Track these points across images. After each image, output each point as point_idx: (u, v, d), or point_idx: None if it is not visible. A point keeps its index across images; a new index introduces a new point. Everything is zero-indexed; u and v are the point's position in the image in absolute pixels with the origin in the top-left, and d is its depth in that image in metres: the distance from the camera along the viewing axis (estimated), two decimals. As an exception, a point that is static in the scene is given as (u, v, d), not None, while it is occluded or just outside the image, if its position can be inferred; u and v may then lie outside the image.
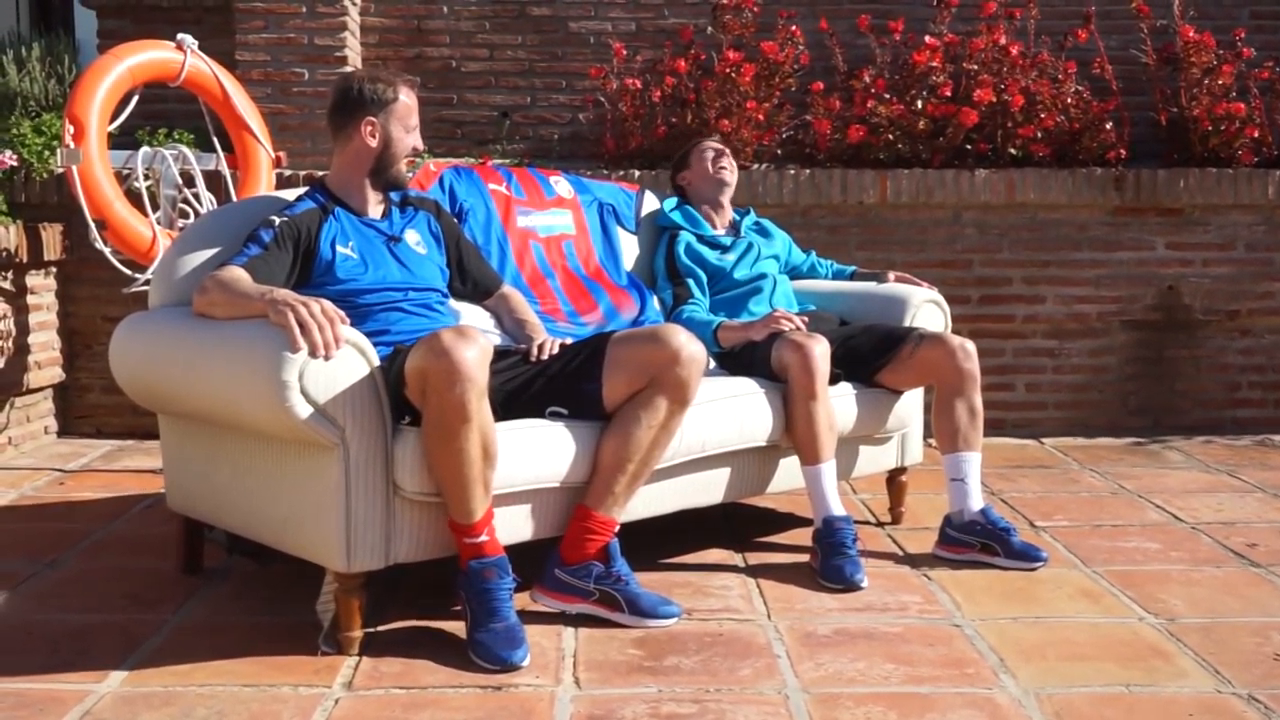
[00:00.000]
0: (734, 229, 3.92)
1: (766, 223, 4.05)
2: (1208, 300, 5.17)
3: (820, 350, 3.29)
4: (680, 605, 2.91)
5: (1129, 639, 2.79)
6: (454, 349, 2.51)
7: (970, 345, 3.43)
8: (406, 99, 3.01)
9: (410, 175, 3.15)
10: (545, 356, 2.95)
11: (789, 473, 3.43)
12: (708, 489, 3.25)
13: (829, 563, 3.17)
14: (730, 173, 3.89)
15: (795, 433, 3.30)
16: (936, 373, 3.44)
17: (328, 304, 2.58)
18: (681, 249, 3.77)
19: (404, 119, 3.00)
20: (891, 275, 3.94)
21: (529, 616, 2.79)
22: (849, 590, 3.11)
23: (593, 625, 2.84)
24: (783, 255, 3.98)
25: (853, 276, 4.04)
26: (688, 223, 3.85)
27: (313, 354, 2.50)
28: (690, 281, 3.71)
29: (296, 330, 2.50)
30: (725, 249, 3.81)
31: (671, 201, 3.99)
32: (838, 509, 3.27)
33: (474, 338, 2.56)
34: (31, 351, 4.72)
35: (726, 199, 3.91)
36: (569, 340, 3.03)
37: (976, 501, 3.36)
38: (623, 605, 2.83)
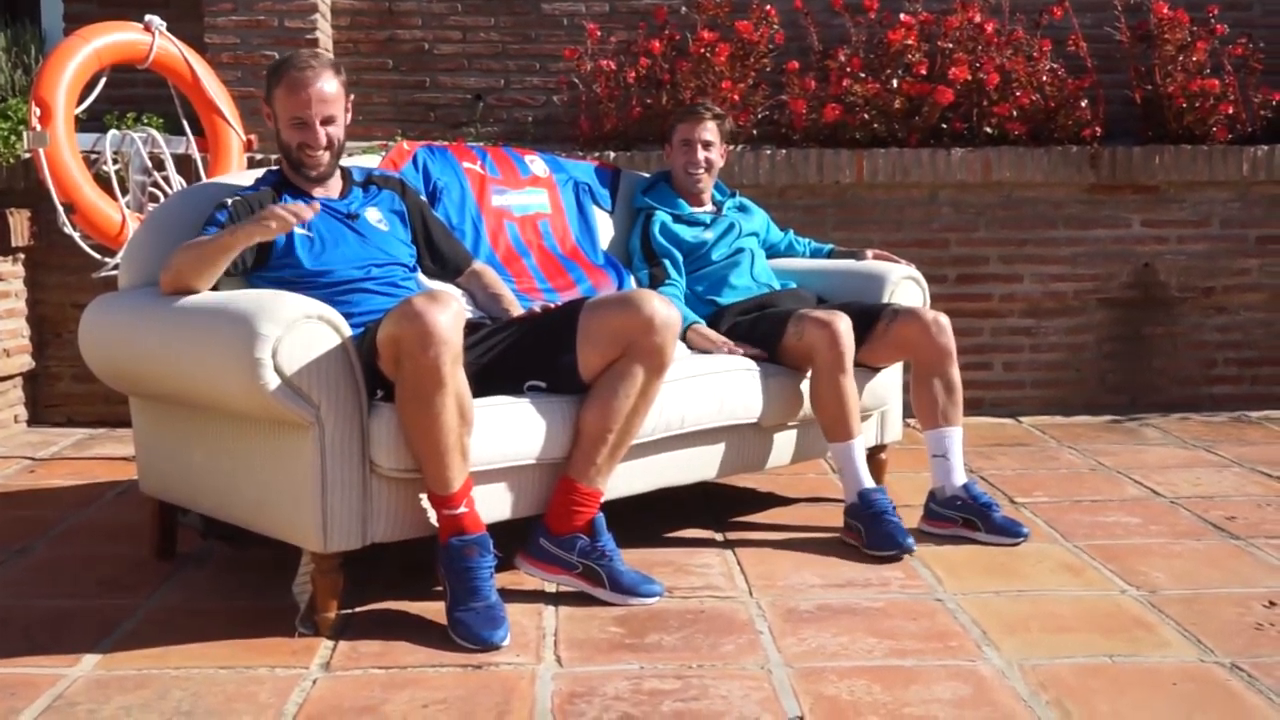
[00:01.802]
0: (715, 208, 3.88)
1: (746, 201, 4.02)
2: (1184, 277, 5.18)
3: (845, 326, 3.28)
4: (662, 584, 2.88)
5: (1111, 611, 2.78)
6: (426, 312, 2.48)
7: (944, 319, 3.42)
8: (289, 86, 2.83)
9: (314, 173, 2.93)
10: (538, 310, 2.96)
11: (770, 452, 3.42)
12: (688, 467, 3.22)
13: (876, 531, 3.17)
14: (704, 173, 3.78)
15: (825, 410, 3.29)
16: (912, 348, 3.43)
17: (278, 206, 2.63)
18: (656, 229, 3.73)
19: (283, 108, 2.86)
20: (870, 253, 3.93)
21: (509, 595, 2.76)
22: (900, 555, 3.14)
23: (573, 603, 2.81)
24: (761, 233, 3.96)
25: (830, 254, 4.02)
26: (662, 203, 3.82)
27: (297, 220, 2.54)
28: (666, 262, 3.68)
29: (273, 224, 2.54)
30: (705, 225, 3.78)
31: (645, 181, 3.95)
32: (870, 481, 3.28)
33: (446, 301, 2.52)
34: (0, 339, 4.66)
35: (696, 191, 3.83)
36: (551, 305, 3.00)
37: (959, 476, 3.35)
38: (605, 581, 2.81)
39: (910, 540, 3.17)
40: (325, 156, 2.91)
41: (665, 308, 2.79)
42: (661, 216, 3.76)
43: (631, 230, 3.86)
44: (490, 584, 2.63)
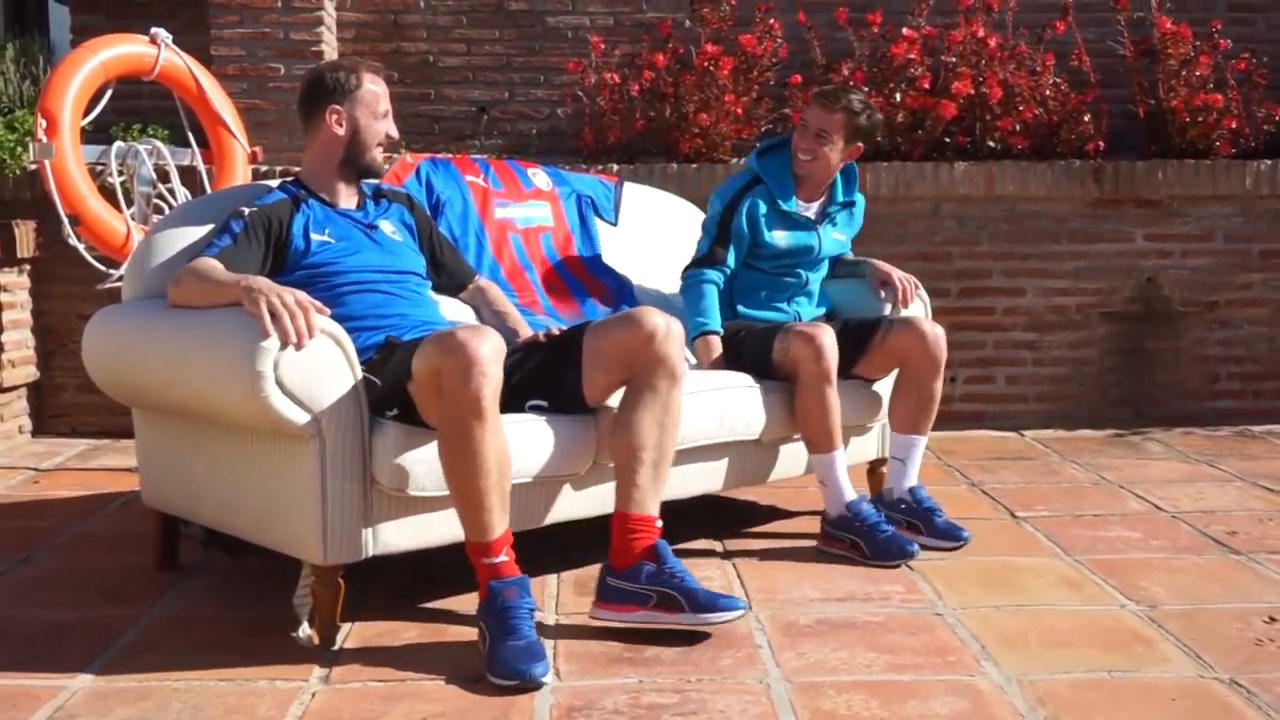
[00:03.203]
0: (821, 211, 3.64)
1: (859, 208, 3.78)
2: (1187, 291, 5.18)
3: (829, 339, 3.29)
4: (741, 599, 2.79)
5: (1111, 626, 2.78)
6: (469, 343, 2.46)
7: (939, 329, 3.44)
8: (371, 85, 2.98)
9: (387, 168, 3.11)
10: (543, 339, 2.96)
11: (771, 466, 3.42)
12: (690, 482, 3.22)
13: (879, 540, 3.22)
14: (808, 161, 3.52)
15: (808, 422, 3.31)
16: (905, 356, 3.45)
17: (302, 294, 2.55)
18: (745, 209, 3.52)
19: (370, 105, 2.97)
20: (877, 281, 3.75)
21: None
22: (905, 560, 3.18)
23: (572, 616, 2.82)
24: (842, 247, 3.78)
25: (836, 262, 3.85)
26: (774, 180, 3.56)
27: (283, 343, 2.47)
28: (731, 247, 3.53)
29: (267, 318, 2.47)
30: (797, 228, 3.58)
31: (769, 141, 3.69)
32: (853, 492, 3.31)
33: (488, 334, 2.51)
34: (4, 350, 4.68)
35: (808, 179, 3.59)
36: (558, 330, 3.01)
37: (910, 480, 3.44)
38: (682, 603, 2.65)
39: (914, 546, 3.22)
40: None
41: (666, 319, 2.78)
42: (760, 200, 3.53)
43: (730, 183, 3.62)
44: (529, 624, 2.53)
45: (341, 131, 2.96)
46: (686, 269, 3.59)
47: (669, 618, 2.67)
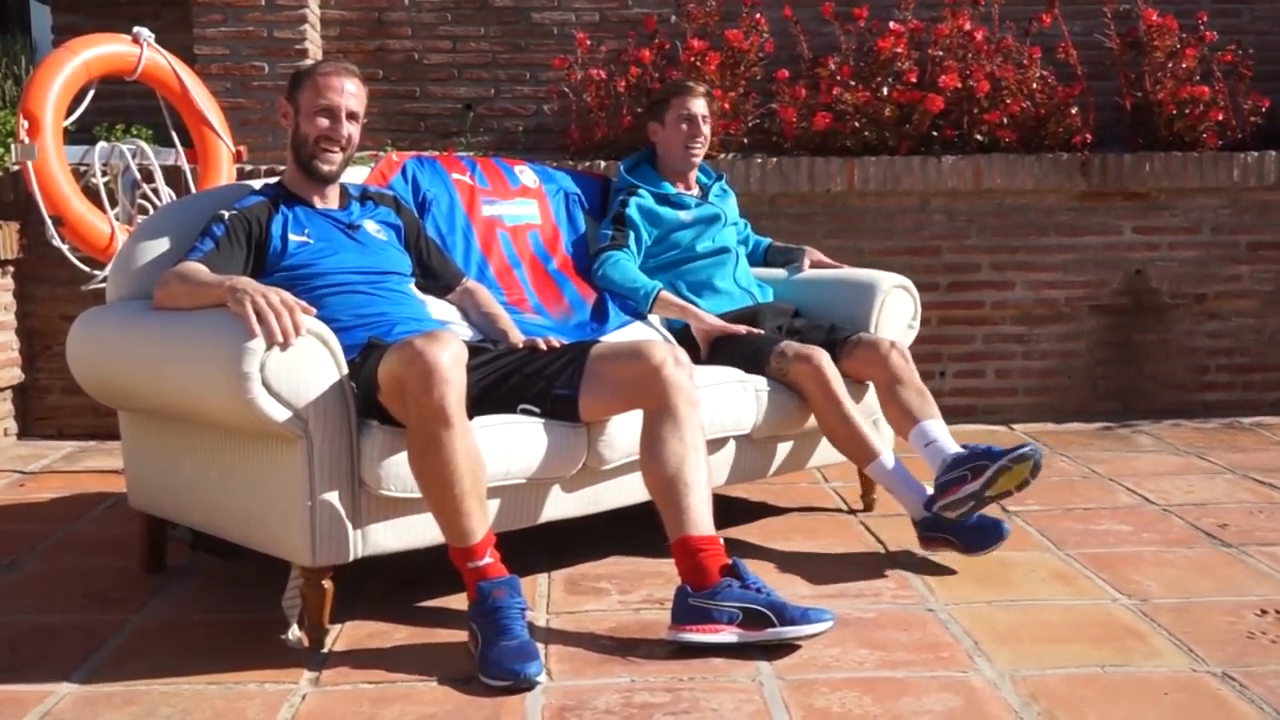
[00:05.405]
0: (702, 193, 3.88)
1: (725, 179, 4.04)
2: (1175, 284, 5.18)
3: (826, 359, 3.30)
4: (831, 610, 2.69)
5: (1103, 620, 2.77)
6: (427, 351, 2.45)
7: (903, 346, 3.42)
8: (319, 80, 2.90)
9: (326, 169, 2.95)
10: (544, 348, 2.93)
11: (762, 463, 3.41)
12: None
13: (970, 531, 3.10)
14: (702, 148, 3.80)
15: (836, 441, 3.31)
16: (871, 372, 3.42)
17: (287, 294, 2.53)
18: (633, 207, 3.71)
19: (309, 100, 2.91)
20: (807, 261, 3.91)
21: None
22: (999, 544, 3.08)
23: (564, 615, 2.80)
24: (739, 224, 3.99)
25: (767, 251, 4.03)
26: (646, 182, 3.78)
27: (269, 342, 2.44)
28: (630, 233, 3.68)
29: (253, 318, 2.45)
30: (686, 208, 3.77)
31: (629, 161, 3.91)
32: (927, 488, 3.20)
33: (446, 340, 2.49)
34: (-11, 352, 4.65)
35: (680, 170, 3.84)
36: (558, 342, 2.99)
37: (952, 446, 3.19)
38: (772, 618, 2.58)
39: (1005, 525, 3.11)
40: (339, 157, 2.95)
41: (673, 349, 2.80)
42: (642, 199, 3.73)
43: (610, 205, 3.82)
44: (521, 623, 2.51)
45: (288, 125, 2.96)
46: (592, 261, 3.71)
47: (757, 634, 2.58)
